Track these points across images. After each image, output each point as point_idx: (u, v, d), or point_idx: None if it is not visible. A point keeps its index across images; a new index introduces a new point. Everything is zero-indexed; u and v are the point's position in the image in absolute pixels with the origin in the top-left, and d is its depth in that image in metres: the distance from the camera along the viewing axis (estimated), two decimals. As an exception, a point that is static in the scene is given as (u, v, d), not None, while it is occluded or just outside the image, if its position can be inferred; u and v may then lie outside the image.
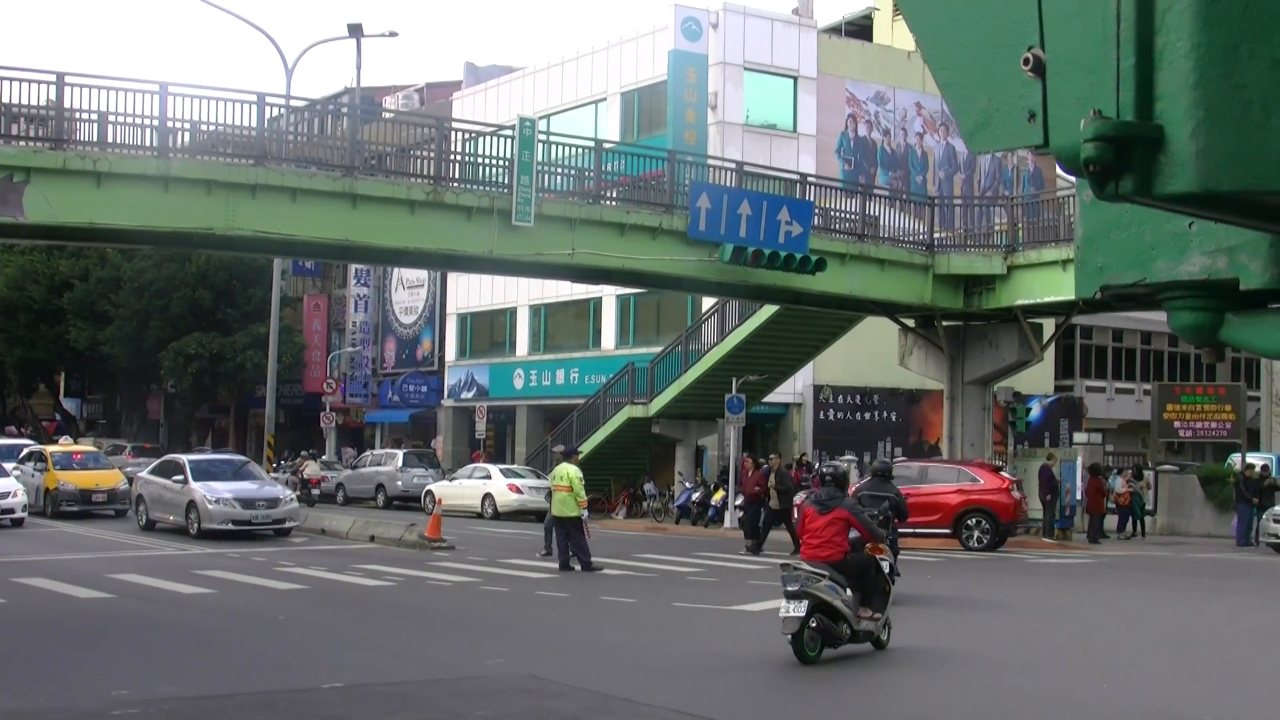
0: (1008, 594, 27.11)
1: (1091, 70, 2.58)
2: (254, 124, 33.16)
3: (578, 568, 29.57)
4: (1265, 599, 27.16)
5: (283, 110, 37.31)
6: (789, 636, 17.39)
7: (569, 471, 30.53)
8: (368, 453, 65.47)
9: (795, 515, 30.61)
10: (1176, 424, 49.49)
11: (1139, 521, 44.99)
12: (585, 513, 30.32)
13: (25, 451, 50.45)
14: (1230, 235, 3.08)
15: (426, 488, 52.98)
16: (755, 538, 35.86)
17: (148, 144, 31.65)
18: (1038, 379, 59.98)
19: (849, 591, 17.91)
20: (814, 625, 17.42)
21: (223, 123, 32.86)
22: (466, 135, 38.08)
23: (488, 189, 34.98)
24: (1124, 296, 3.38)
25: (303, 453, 63.48)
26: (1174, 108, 2.48)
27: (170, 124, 32.03)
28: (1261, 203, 2.59)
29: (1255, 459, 46.91)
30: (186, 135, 33.39)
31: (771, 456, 37.38)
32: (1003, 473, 39.43)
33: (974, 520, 37.49)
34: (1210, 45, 2.46)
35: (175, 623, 21.36)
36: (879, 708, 14.53)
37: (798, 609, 17.35)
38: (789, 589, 17.50)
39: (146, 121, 31.70)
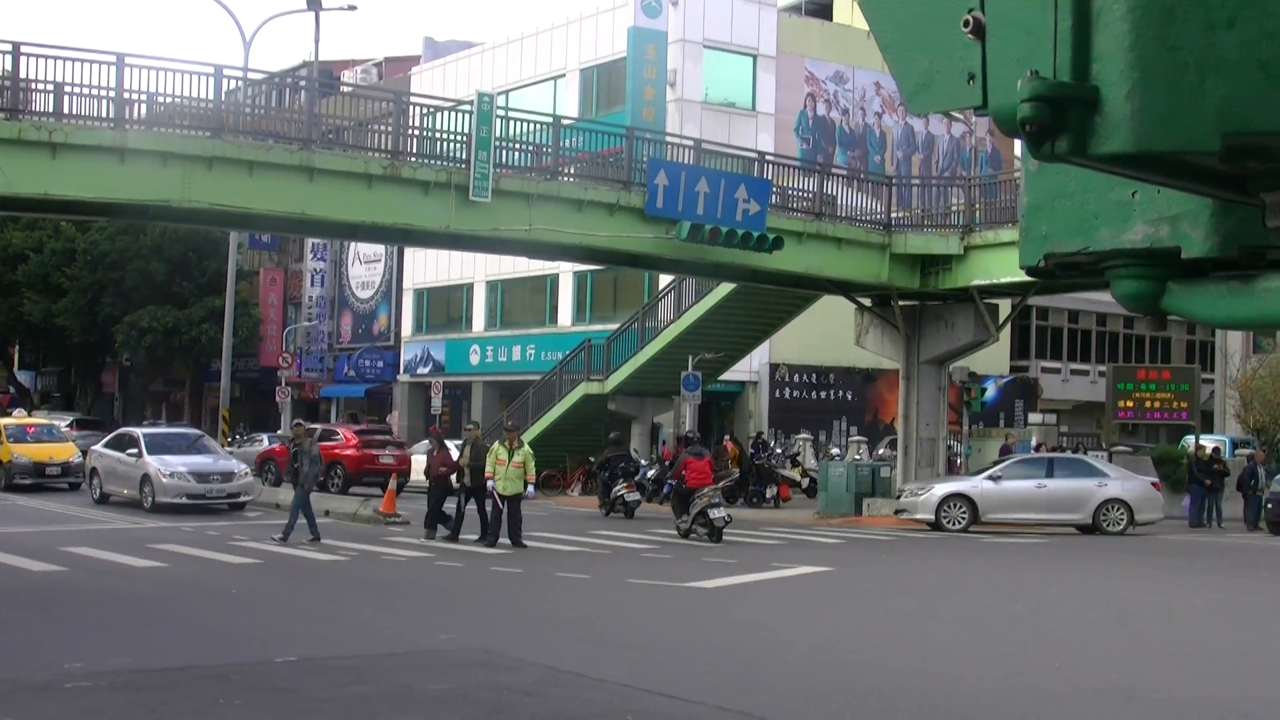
0: (960, 572, 27.24)
1: (1030, 32, 2.59)
2: (211, 96, 32.98)
3: (521, 543, 29.82)
4: (1215, 578, 27.35)
5: (240, 83, 37.13)
6: (713, 529, 31.78)
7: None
8: (321, 427, 65.21)
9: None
10: (1130, 405, 49.70)
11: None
12: (532, 489, 31.05)
13: (-21, 424, 50.19)
14: (1173, 204, 3.11)
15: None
16: (444, 523, 31.69)
17: (104, 115, 31.47)
18: (993, 359, 60.23)
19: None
20: (727, 520, 32.02)
21: (180, 95, 32.69)
22: (425, 110, 37.93)
23: (445, 164, 34.88)
24: (1068, 265, 3.40)
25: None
26: (1110, 69, 2.49)
27: (127, 95, 31.80)
28: (1195, 164, 2.62)
29: (1208, 441, 47.18)
30: (143, 107, 33.13)
31: (467, 427, 34.83)
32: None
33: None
34: (1146, 8, 2.48)
35: (128, 595, 21.31)
36: (829, 684, 14.59)
37: (720, 511, 32.16)
38: (715, 500, 32.20)
39: (103, 93, 31.50)
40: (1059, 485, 37.65)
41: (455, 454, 33.12)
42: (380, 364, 73.06)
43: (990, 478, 38.24)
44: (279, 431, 65.95)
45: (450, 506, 31.97)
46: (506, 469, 30.29)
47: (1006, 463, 40.04)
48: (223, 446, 46.49)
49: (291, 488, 32.11)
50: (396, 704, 12.87)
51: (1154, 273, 3.31)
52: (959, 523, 37.37)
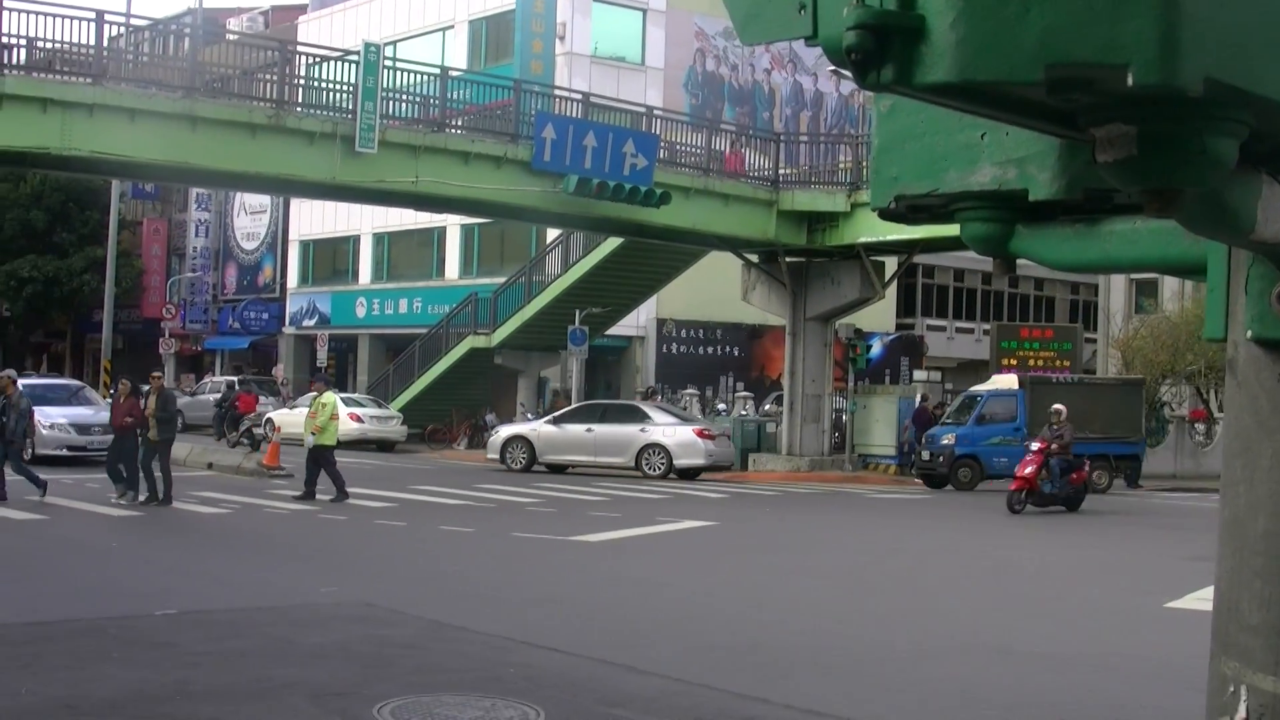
0: (843, 528, 27.42)
1: None
2: (92, 42, 32.52)
3: (310, 494, 29.30)
4: (1090, 536, 27.70)
5: (123, 29, 36.60)
6: (254, 441, 36.49)
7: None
8: (207, 379, 64.71)
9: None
10: (1014, 363, 50.13)
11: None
12: (311, 438, 29.77)
13: None
14: (1020, 146, 3.12)
15: (266, 415, 52.51)
16: (122, 481, 28.17)
17: (-19, 60, 30.99)
18: (879, 316, 60.52)
19: None
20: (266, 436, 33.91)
21: (60, 40, 32.22)
22: (311, 59, 37.63)
23: (331, 114, 34.61)
24: (918, 207, 3.41)
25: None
26: None
27: (5, 40, 31.34)
28: (1022, 97, 2.61)
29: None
30: (22, 52, 32.67)
31: (153, 376, 30.27)
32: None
33: None
34: None
35: (5, 549, 21.03)
36: (710, 637, 14.63)
37: (261, 430, 37.47)
38: (257, 422, 37.83)
39: (-20, 37, 31.04)
40: (606, 430, 39.80)
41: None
42: (265, 316, 72.45)
43: (552, 421, 40.98)
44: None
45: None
46: (306, 420, 30.32)
47: (566, 408, 43.00)
48: (104, 398, 45.90)
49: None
50: (275, 657, 12.78)
51: (1001, 215, 3.34)
52: (520, 463, 40.29)
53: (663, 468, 38.82)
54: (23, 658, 12.43)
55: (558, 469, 40.23)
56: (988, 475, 38.38)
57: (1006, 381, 41.00)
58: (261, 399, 56.97)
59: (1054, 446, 30.51)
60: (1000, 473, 37.99)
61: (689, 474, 39.09)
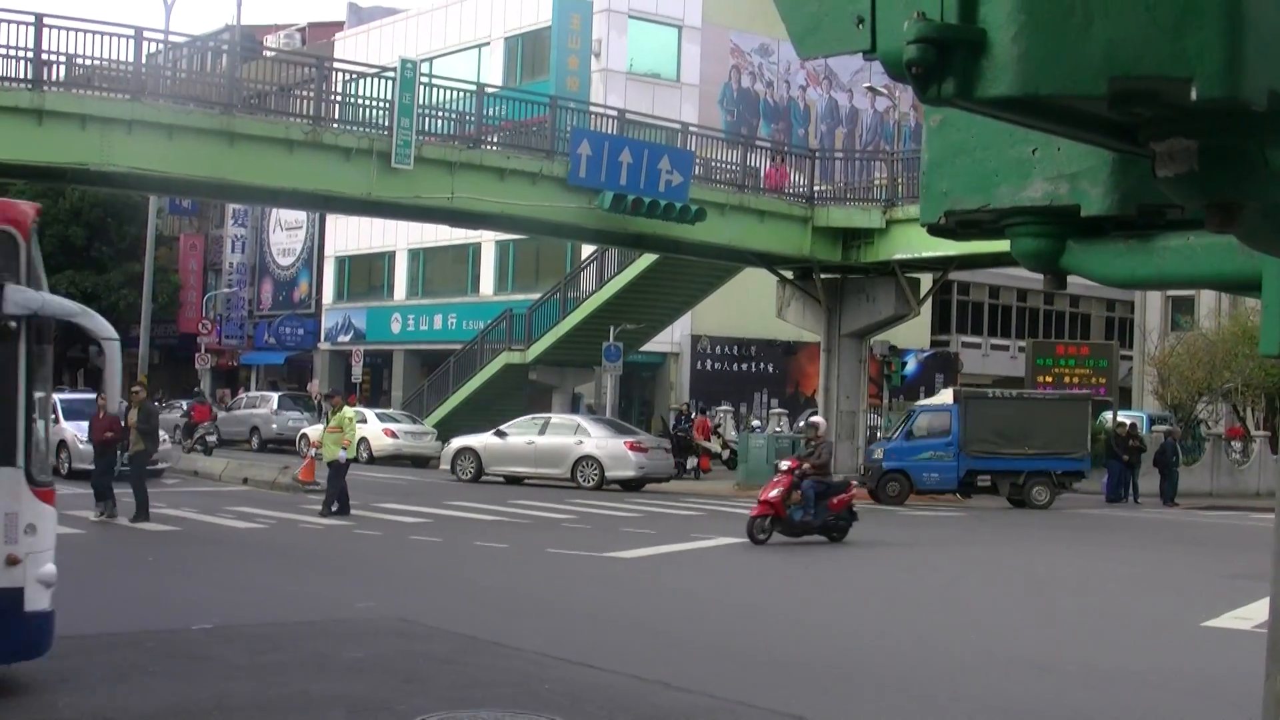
0: (880, 543, 27.31)
1: None
2: (131, 59, 32.67)
3: (346, 509, 29.30)
4: (1129, 552, 27.59)
5: (161, 46, 36.78)
6: (207, 446, 39.81)
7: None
8: (242, 394, 64.89)
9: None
10: (1049, 380, 49.98)
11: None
12: (342, 453, 29.74)
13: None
14: (1072, 161, 3.11)
15: (301, 431, 52.61)
16: (107, 499, 27.35)
17: (21, 76, 31.11)
18: (914, 333, 60.48)
19: None
20: (216, 443, 36.87)
21: (99, 57, 32.39)
22: (347, 76, 37.73)
23: (368, 130, 34.71)
24: (968, 223, 3.40)
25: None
26: (997, 11, 2.47)
27: (45, 56, 31.49)
28: (1084, 111, 2.61)
29: (1125, 417, 47.54)
30: (62, 69, 32.85)
31: (134, 390, 29.13)
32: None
33: None
34: None
35: (42, 561, 21.08)
36: (746, 653, 14.61)
37: (213, 438, 43.73)
38: (211, 430, 42.81)
39: (21, 53, 31.15)
40: (546, 442, 40.68)
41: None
42: (301, 331, 72.64)
43: (497, 433, 41.46)
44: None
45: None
46: (324, 435, 30.33)
47: (512, 421, 43.06)
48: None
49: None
50: (312, 671, 12.80)
51: (1053, 231, 3.33)
52: (468, 473, 41.16)
53: (596, 479, 39.47)
54: (61, 671, 12.46)
55: (514, 480, 40.72)
56: (917, 490, 38.67)
57: (948, 397, 41.06)
58: (296, 414, 57.16)
59: (806, 466, 26.26)
60: (930, 488, 38.40)
61: (630, 485, 39.88)
